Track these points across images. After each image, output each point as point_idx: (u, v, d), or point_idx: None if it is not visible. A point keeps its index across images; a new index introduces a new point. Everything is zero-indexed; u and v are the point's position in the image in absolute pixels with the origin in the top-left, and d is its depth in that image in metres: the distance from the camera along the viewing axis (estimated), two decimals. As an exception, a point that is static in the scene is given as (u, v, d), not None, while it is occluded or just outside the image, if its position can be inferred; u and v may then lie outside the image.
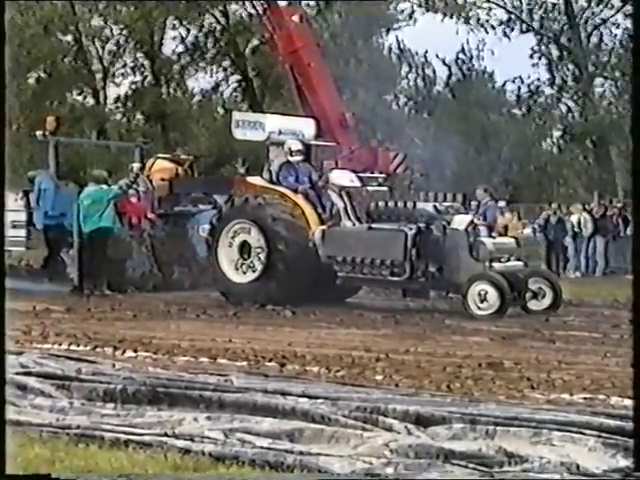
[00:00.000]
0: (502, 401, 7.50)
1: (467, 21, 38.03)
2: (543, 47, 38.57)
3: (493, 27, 38.33)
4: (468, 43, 39.15)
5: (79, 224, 17.39)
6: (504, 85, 40.72)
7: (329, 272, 15.59)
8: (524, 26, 38.39)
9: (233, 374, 8.08)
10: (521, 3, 38.40)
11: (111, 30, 41.85)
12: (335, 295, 15.94)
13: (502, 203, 23.73)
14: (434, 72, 40.72)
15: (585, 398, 8.01)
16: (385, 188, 18.49)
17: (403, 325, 13.54)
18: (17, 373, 7.61)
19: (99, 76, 42.67)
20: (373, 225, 15.59)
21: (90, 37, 41.79)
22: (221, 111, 41.67)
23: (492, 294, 14.19)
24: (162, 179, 19.80)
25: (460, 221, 14.98)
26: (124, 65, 42.72)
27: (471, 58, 40.24)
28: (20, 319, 13.15)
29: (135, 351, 10.36)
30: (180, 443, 5.95)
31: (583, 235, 24.46)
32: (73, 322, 13.18)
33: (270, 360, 9.88)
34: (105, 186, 17.77)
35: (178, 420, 6.39)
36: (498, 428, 5.99)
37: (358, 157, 23.80)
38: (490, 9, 38.31)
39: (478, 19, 38.21)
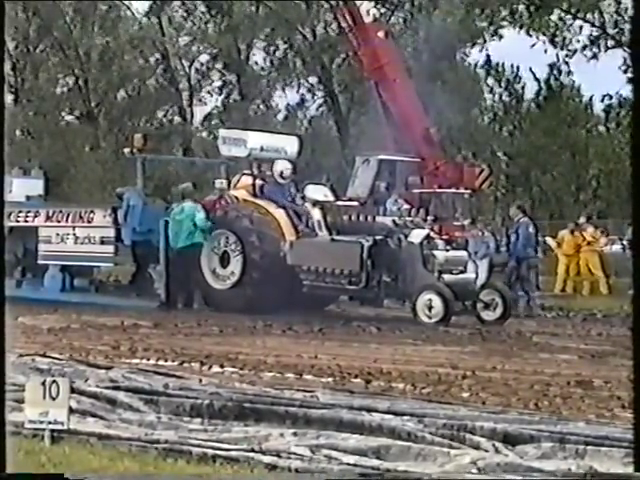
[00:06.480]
0: (592, 420, 7.37)
1: (554, 38, 37.68)
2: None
3: (580, 41, 37.91)
4: (555, 58, 38.85)
5: (167, 240, 17.56)
6: (592, 100, 40.34)
7: (300, 281, 16.53)
8: (612, 41, 37.88)
9: (319, 390, 8.05)
10: (604, 18, 37.89)
11: (198, 48, 42.36)
12: (311, 304, 16.72)
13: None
14: (521, 87, 40.51)
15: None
16: (355, 203, 19.12)
17: (490, 342, 13.42)
18: (106, 387, 7.69)
19: (186, 94, 43.17)
20: (335, 237, 16.51)
21: (177, 56, 42.32)
22: (307, 127, 41.84)
23: (437, 303, 15.03)
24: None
25: (417, 235, 15.84)
26: (211, 83, 43.19)
27: (559, 73, 39.89)
28: (109, 334, 13.34)
29: (221, 367, 10.38)
30: (267, 459, 5.95)
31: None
32: (160, 337, 13.26)
33: (356, 376, 9.83)
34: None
35: (264, 436, 6.39)
36: (588, 448, 5.89)
37: (443, 173, 23.73)
38: (579, 25, 37.89)
39: (565, 35, 37.81)
